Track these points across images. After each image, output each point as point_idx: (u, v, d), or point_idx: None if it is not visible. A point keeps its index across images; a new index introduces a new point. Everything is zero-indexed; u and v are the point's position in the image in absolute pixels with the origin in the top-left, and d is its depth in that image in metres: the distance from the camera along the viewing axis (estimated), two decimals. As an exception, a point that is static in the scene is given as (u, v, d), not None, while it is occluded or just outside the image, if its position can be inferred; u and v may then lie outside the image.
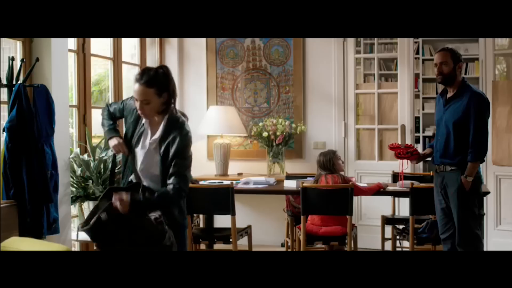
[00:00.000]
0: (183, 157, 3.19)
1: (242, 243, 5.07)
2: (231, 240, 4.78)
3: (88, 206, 4.61)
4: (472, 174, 4.12)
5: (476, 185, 4.18)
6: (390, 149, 4.66)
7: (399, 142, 4.82)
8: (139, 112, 3.20)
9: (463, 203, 4.14)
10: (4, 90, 4.06)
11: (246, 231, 5.03)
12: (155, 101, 3.16)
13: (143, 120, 3.29)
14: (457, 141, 4.17)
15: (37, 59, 4.16)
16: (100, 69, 5.81)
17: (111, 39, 5.65)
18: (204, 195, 4.72)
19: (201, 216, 5.55)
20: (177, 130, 3.20)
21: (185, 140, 3.20)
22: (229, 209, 4.71)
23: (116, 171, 3.57)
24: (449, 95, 4.28)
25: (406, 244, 5.03)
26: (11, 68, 4.01)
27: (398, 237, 5.04)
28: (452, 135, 4.19)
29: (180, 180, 3.16)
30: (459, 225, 4.17)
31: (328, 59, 6.27)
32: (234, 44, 6.52)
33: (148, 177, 3.27)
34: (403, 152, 4.52)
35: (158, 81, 3.16)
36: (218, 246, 5.14)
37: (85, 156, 4.79)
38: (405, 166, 4.98)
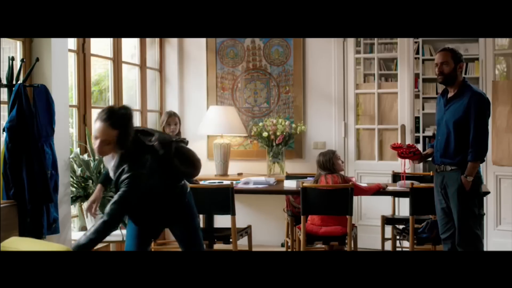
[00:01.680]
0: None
1: (242, 243, 5.07)
2: (231, 240, 4.78)
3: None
4: (472, 174, 4.12)
5: (476, 185, 4.18)
6: (393, 148, 4.65)
7: (399, 142, 4.82)
8: (97, 151, 3.22)
9: (463, 203, 4.14)
10: (4, 90, 4.06)
11: (246, 231, 5.03)
12: (113, 142, 3.18)
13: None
14: (457, 141, 4.17)
15: (37, 59, 4.15)
16: (100, 69, 5.81)
17: (111, 39, 5.64)
18: (204, 195, 4.71)
19: (201, 216, 5.53)
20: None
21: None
22: (229, 209, 4.71)
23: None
24: (449, 95, 4.28)
25: (406, 244, 5.03)
26: (11, 68, 4.01)
27: (398, 237, 5.04)
28: (453, 135, 4.19)
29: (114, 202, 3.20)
30: (459, 225, 4.16)
31: (328, 59, 6.27)
32: (234, 44, 6.52)
33: None
34: (406, 151, 4.51)
35: (121, 123, 3.19)
36: (218, 246, 5.13)
37: (85, 156, 4.79)
38: (407, 166, 4.98)
